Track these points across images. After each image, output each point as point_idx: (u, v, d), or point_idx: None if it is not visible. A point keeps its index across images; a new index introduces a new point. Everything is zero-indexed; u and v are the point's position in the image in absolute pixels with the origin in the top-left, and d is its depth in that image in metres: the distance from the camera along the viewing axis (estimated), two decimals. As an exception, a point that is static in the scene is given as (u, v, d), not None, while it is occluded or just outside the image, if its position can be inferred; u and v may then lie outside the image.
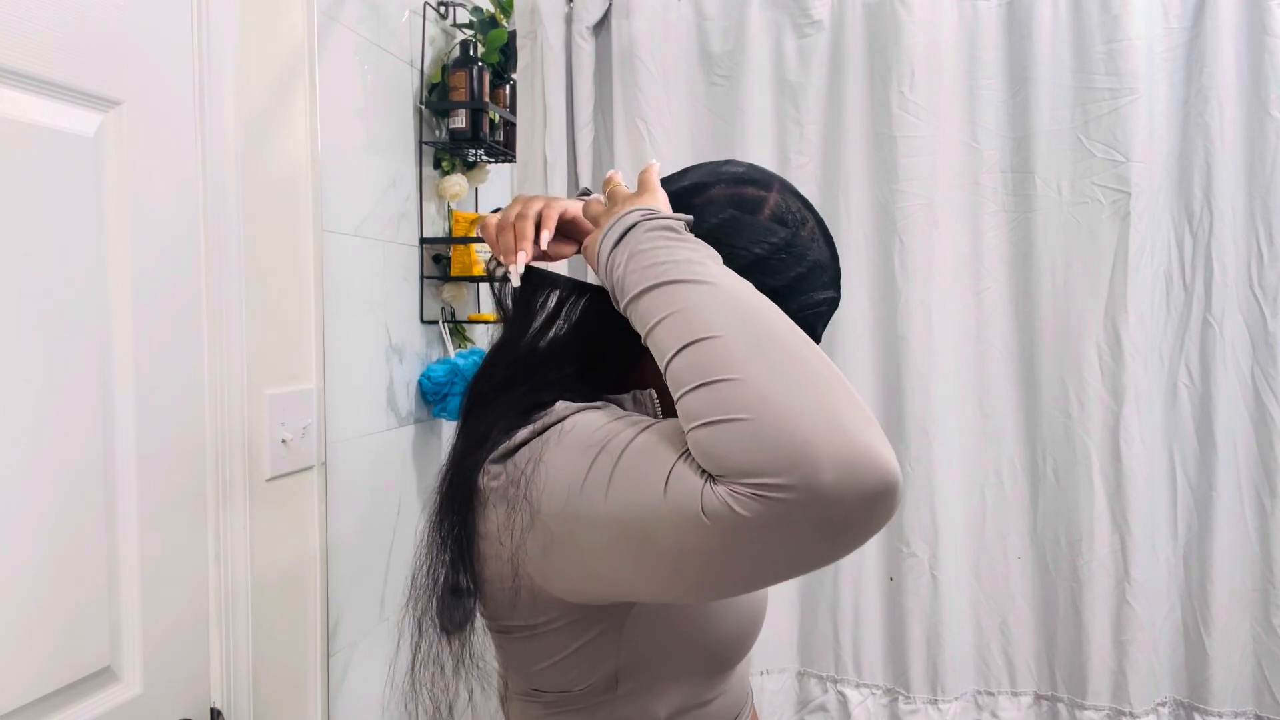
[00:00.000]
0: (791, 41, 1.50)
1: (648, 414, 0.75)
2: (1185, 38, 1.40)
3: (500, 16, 1.91)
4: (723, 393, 0.57)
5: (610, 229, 0.70)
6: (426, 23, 1.82)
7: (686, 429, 0.58)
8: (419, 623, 0.77)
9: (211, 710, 1.22)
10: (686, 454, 0.58)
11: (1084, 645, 1.43)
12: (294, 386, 1.39)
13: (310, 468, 1.43)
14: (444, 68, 1.84)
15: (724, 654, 0.81)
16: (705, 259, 0.65)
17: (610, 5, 1.53)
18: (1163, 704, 1.43)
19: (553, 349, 0.78)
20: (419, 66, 1.81)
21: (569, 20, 1.53)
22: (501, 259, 0.78)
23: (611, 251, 0.69)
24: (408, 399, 1.80)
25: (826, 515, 0.53)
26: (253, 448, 1.28)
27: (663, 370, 0.62)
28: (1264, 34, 1.35)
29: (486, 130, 1.84)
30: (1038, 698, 1.49)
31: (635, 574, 0.62)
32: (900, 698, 1.50)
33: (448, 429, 1.96)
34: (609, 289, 0.70)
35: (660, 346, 0.62)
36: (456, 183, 1.86)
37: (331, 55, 1.52)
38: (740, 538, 0.55)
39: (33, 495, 0.96)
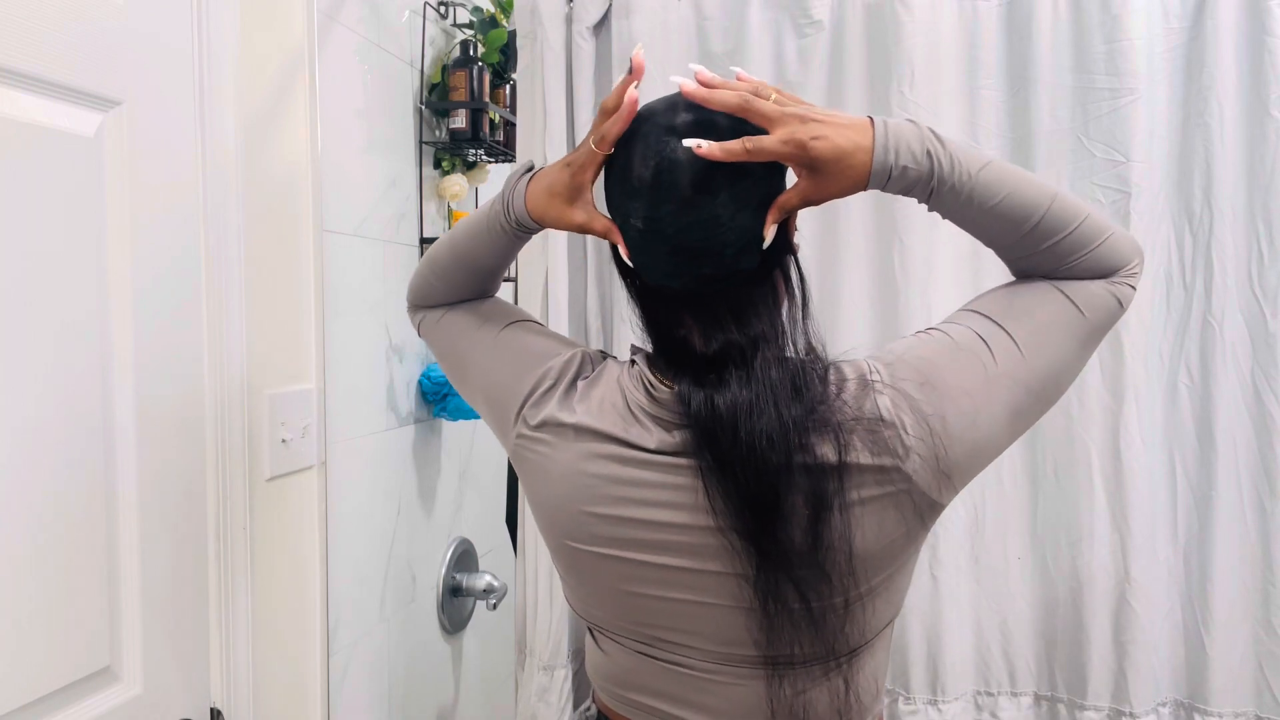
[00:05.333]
0: (791, 41, 1.50)
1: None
2: (1185, 38, 1.39)
3: (500, 16, 1.91)
4: (1095, 222, 0.83)
5: (910, 129, 0.81)
6: (426, 23, 1.82)
7: (1090, 248, 0.83)
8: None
9: (211, 710, 1.22)
10: (1060, 285, 0.84)
11: (1084, 645, 1.43)
12: (294, 386, 1.39)
13: (310, 468, 1.43)
14: (444, 68, 1.84)
15: None
16: None
17: (610, 5, 1.52)
18: (1163, 704, 1.43)
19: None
20: (419, 66, 1.81)
21: (569, 20, 1.53)
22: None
23: (941, 144, 0.81)
24: (408, 399, 1.80)
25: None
26: (253, 448, 1.28)
27: (1034, 218, 0.82)
28: (1264, 34, 1.35)
29: (486, 130, 1.84)
30: (1038, 698, 1.48)
31: (1049, 390, 0.85)
32: (900, 699, 1.50)
33: (448, 429, 1.96)
34: (911, 165, 0.80)
35: (1028, 200, 0.82)
36: (456, 183, 1.86)
37: (331, 55, 1.52)
38: (1129, 305, 0.86)
39: (33, 495, 0.96)
